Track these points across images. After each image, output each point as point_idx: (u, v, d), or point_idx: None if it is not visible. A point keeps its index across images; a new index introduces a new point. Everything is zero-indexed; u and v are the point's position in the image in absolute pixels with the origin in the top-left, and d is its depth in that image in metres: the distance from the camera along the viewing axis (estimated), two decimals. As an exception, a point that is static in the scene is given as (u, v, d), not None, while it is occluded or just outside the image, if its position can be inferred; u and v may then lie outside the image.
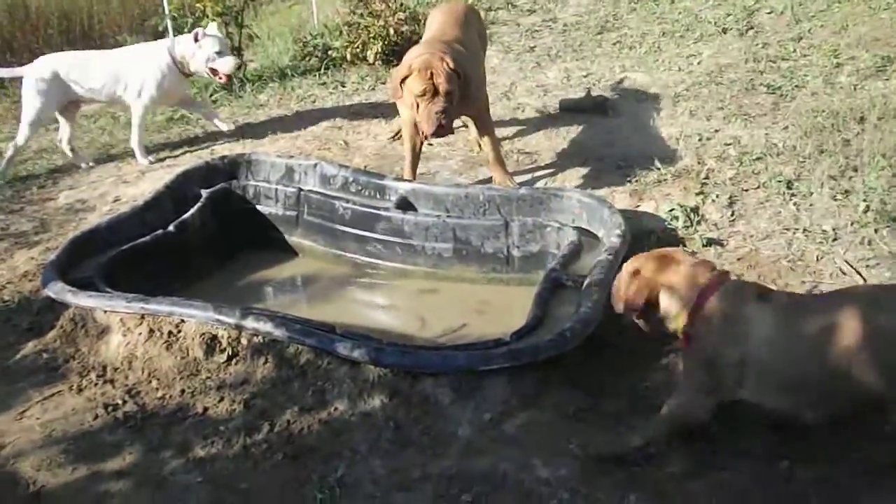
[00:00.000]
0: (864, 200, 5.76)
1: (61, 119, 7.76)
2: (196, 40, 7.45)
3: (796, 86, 7.76)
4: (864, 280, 5.07)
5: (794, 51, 8.59)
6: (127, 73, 7.60)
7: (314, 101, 8.91)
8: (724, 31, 9.44)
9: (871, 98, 7.15)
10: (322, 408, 4.27)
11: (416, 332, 5.23)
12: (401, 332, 5.20)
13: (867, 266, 5.20)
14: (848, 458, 3.75)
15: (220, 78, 7.69)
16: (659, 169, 6.45)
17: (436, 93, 5.74)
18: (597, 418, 4.13)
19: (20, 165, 7.76)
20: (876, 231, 5.49)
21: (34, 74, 7.53)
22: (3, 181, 7.41)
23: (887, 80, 7.67)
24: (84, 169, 7.68)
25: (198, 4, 9.26)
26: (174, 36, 8.15)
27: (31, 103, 7.54)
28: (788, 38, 8.85)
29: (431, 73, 5.73)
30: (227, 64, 7.58)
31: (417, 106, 5.82)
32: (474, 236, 5.76)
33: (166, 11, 9.44)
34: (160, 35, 10.49)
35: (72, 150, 7.79)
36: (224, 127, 8.10)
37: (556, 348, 4.22)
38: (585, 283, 4.78)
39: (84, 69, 7.58)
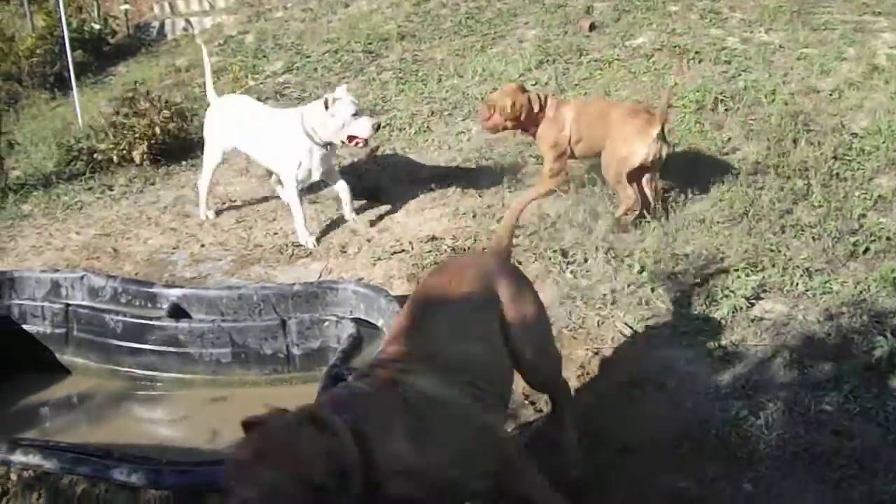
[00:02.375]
0: (639, 262, 5.95)
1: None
2: (326, 107, 6.78)
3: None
4: (646, 340, 5.23)
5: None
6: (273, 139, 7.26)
7: (81, 208, 8.62)
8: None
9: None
10: (103, 542, 4.07)
11: (203, 445, 5.08)
12: (187, 447, 5.06)
13: (646, 326, 5.36)
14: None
15: (358, 144, 7.02)
16: (435, 251, 6.51)
17: None
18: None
19: None
20: (652, 290, 5.68)
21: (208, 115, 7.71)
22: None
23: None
24: None
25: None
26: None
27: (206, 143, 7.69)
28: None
29: None
30: (365, 127, 6.85)
31: None
32: (252, 338, 5.65)
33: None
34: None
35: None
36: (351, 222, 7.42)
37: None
38: (367, 377, 4.73)
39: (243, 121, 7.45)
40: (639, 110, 6.75)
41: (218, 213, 7.91)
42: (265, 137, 7.22)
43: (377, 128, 6.91)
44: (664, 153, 6.55)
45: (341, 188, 7.32)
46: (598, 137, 6.74)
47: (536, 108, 6.96)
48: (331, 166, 7.25)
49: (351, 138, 6.86)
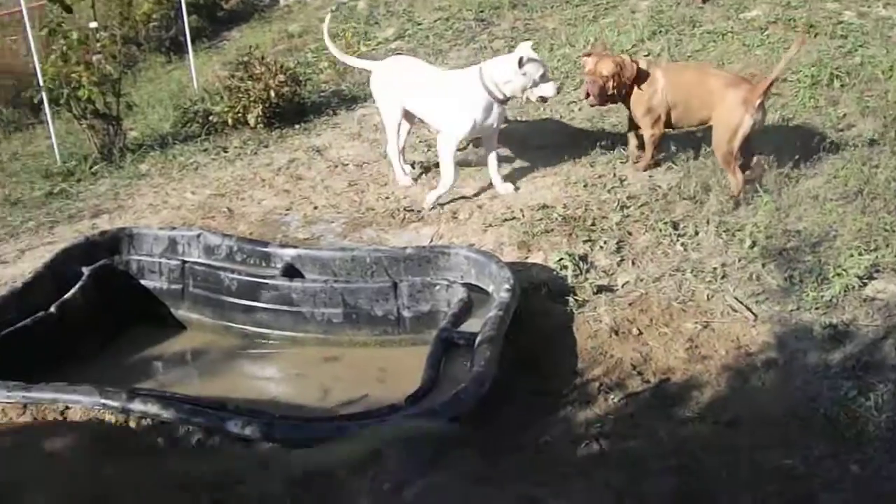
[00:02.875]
0: (750, 236, 5.84)
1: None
2: (520, 66, 6.73)
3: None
4: (755, 315, 5.12)
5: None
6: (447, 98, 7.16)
7: (196, 168, 8.75)
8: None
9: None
10: (217, 491, 4.09)
11: (314, 402, 5.13)
12: (299, 403, 5.12)
13: (756, 301, 5.26)
14: (748, 491, 3.76)
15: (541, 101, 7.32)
16: (546, 219, 6.47)
17: None
18: (498, 477, 4.05)
19: None
20: (763, 266, 5.57)
21: (372, 78, 7.74)
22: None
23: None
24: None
25: (73, 75, 9.06)
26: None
27: (379, 108, 7.71)
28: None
29: None
30: (551, 89, 6.95)
31: None
32: (363, 300, 5.68)
33: (41, 83, 9.26)
34: (36, 107, 10.33)
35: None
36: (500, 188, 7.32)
37: (452, 410, 4.19)
38: (477, 340, 4.75)
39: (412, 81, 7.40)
40: (738, 79, 6.63)
41: (415, 180, 7.73)
42: (438, 95, 7.13)
43: (559, 91, 7.15)
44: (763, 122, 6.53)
45: (493, 152, 7.27)
46: (695, 107, 6.68)
47: (632, 73, 6.81)
48: (500, 125, 7.22)
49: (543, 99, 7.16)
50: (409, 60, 7.87)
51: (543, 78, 6.83)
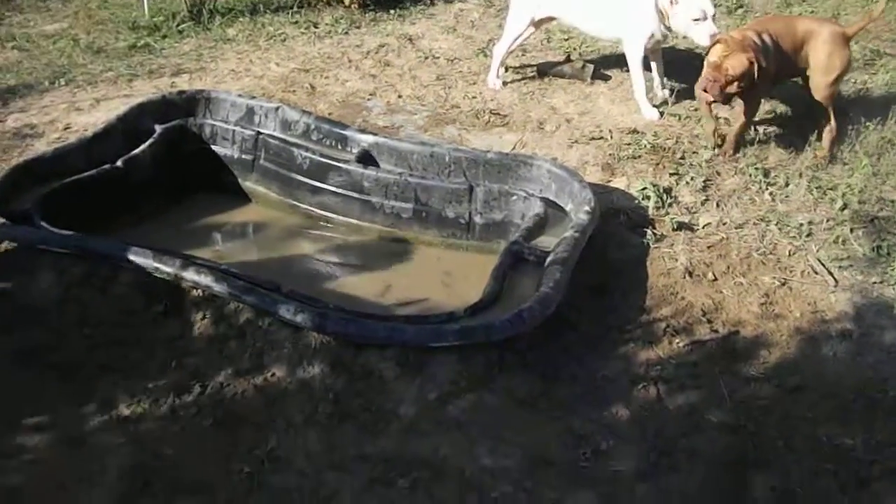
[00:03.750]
0: (842, 197, 5.58)
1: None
2: (671, 3, 6.41)
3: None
4: (836, 281, 4.89)
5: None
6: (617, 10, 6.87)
7: (284, 40, 8.60)
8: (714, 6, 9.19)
9: (856, 92, 6.95)
10: (258, 372, 4.04)
11: (368, 297, 4.98)
12: (351, 294, 4.97)
13: (839, 266, 5.03)
14: (802, 464, 3.69)
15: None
16: (634, 144, 6.23)
17: None
18: (548, 406, 3.95)
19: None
20: (851, 231, 5.32)
21: None
22: None
23: (874, 73, 7.48)
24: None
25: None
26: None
27: (511, 9, 7.36)
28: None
29: None
30: (701, 35, 6.34)
31: None
32: (436, 199, 5.49)
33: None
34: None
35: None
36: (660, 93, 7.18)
37: (512, 329, 4.03)
38: (548, 259, 4.56)
39: None
40: (824, 20, 6.34)
41: (505, 84, 7.52)
42: (605, 7, 6.89)
43: (715, 40, 6.22)
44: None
45: (658, 59, 7.08)
46: (790, 58, 6.08)
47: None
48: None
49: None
50: None
51: (698, 22, 6.35)
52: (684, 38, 6.74)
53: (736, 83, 5.70)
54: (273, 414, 3.84)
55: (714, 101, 5.97)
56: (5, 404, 3.91)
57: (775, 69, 5.95)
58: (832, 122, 6.09)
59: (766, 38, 5.88)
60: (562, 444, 3.76)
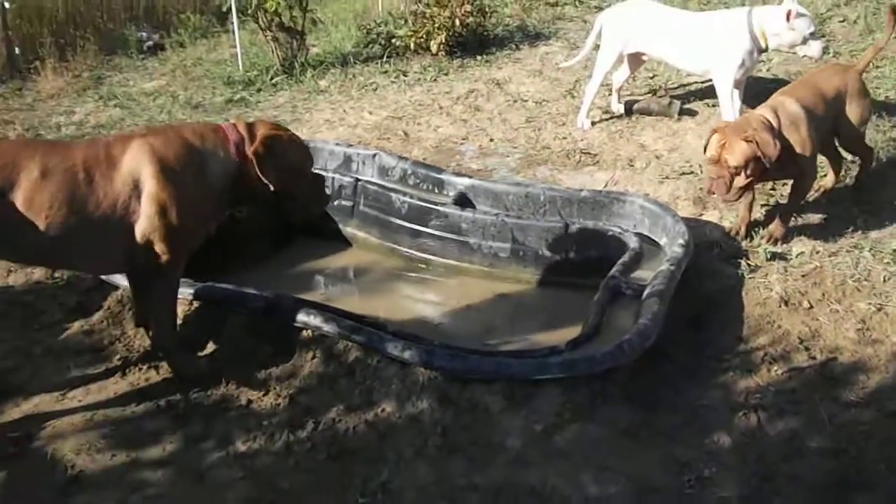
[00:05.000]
0: (934, 221, 5.60)
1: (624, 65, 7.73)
2: (788, 19, 6.49)
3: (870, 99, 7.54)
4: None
5: (873, 62, 8.36)
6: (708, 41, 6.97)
7: (375, 90, 8.83)
8: (796, 37, 9.22)
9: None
10: (369, 408, 4.16)
11: (469, 335, 5.07)
12: (453, 333, 5.09)
13: (936, 290, 5.03)
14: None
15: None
16: (725, 177, 6.27)
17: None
18: (650, 435, 4.02)
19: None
20: (946, 253, 5.32)
21: (604, 18, 7.56)
22: None
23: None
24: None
25: (262, -14, 9.20)
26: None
27: (601, 47, 7.55)
28: (861, 48, 8.60)
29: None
30: (817, 50, 6.63)
31: None
32: (533, 237, 5.62)
33: (230, -9, 9.45)
34: (223, 16, 10.56)
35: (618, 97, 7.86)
36: None
37: (613, 360, 4.13)
38: (645, 292, 4.66)
39: (655, 24, 7.28)
40: (843, 67, 6.05)
41: (593, 123, 7.67)
42: (695, 39, 7.00)
43: (825, 52, 6.49)
44: None
45: (741, 89, 7.06)
46: (828, 114, 5.69)
47: (775, 148, 5.13)
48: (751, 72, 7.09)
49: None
50: (648, 4, 7.59)
51: (813, 35, 6.53)
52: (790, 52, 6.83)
53: (743, 174, 5.18)
54: (384, 448, 3.95)
55: (729, 202, 5.51)
56: (128, 443, 4.07)
57: (817, 137, 5.47)
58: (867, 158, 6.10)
59: (793, 109, 5.38)
60: (665, 472, 3.81)
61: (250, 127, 4.35)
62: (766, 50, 6.76)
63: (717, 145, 5.19)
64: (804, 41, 6.51)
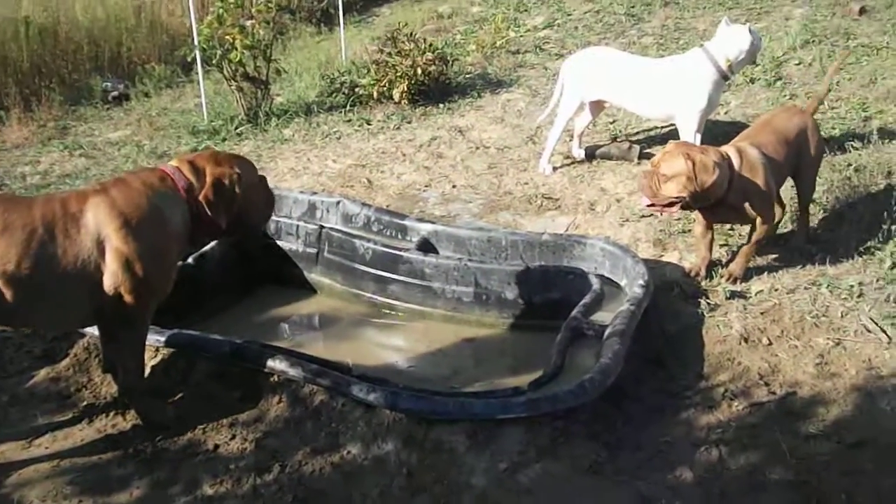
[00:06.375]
0: (891, 257, 5.69)
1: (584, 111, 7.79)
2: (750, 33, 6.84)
3: (823, 139, 7.68)
4: (890, 338, 4.99)
5: (822, 103, 8.52)
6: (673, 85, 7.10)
7: (339, 138, 8.91)
8: (752, 80, 9.37)
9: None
10: (334, 450, 4.19)
11: (434, 377, 5.14)
12: (418, 376, 5.14)
13: (892, 324, 5.12)
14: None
15: None
16: (685, 219, 6.40)
17: None
18: (614, 472, 4.05)
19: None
20: (901, 289, 5.42)
21: (566, 66, 7.67)
22: None
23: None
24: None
25: (226, 37, 9.27)
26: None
27: (563, 95, 7.65)
28: (816, 89, 8.79)
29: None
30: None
31: None
32: (495, 281, 5.67)
33: (196, 42, 9.50)
34: (188, 66, 10.63)
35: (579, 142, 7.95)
36: None
37: (575, 399, 4.18)
38: (606, 332, 4.73)
39: (616, 72, 7.43)
40: (796, 110, 6.12)
41: (555, 169, 7.78)
42: (659, 85, 7.14)
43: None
44: None
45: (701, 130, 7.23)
46: (789, 159, 5.80)
47: (717, 178, 5.23)
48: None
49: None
50: (609, 52, 7.81)
51: (760, 38, 6.96)
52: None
53: (672, 186, 5.26)
54: (350, 489, 3.97)
55: (653, 207, 5.48)
56: (95, 490, 4.06)
57: (775, 183, 5.60)
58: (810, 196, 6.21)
59: (753, 155, 5.46)
60: (630, 508, 3.85)
61: (194, 166, 4.39)
62: (730, 77, 7.00)
63: (663, 152, 5.39)
64: (758, 47, 6.93)
